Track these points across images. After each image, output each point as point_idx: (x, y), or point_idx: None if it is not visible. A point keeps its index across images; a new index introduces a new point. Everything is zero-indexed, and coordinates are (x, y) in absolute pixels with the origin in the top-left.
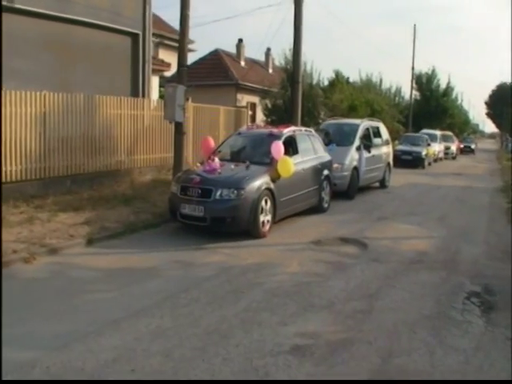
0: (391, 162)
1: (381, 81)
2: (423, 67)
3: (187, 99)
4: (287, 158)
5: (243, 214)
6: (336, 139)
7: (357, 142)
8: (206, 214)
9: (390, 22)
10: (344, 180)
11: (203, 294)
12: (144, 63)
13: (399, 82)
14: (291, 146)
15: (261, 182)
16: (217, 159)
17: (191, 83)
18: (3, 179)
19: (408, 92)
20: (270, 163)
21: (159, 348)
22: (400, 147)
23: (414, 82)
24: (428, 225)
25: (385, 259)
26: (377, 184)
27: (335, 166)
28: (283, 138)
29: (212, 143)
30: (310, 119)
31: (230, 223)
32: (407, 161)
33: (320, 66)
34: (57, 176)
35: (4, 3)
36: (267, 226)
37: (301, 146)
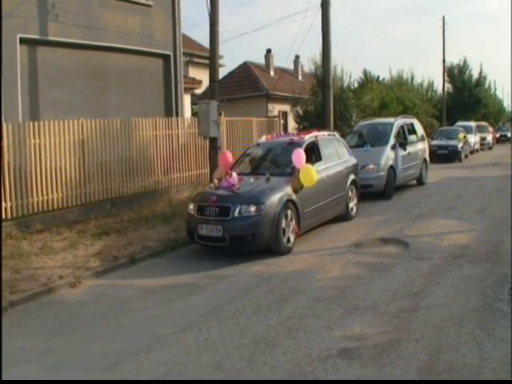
0: (427, 158)
1: (412, 77)
2: (454, 59)
3: (220, 114)
4: (309, 166)
5: (264, 230)
6: (370, 140)
7: (391, 141)
8: (224, 234)
9: (415, 16)
10: (380, 180)
11: (247, 305)
12: (176, 83)
13: (431, 76)
14: (314, 153)
15: (282, 194)
16: (234, 174)
17: (222, 98)
18: (45, 207)
19: (440, 85)
20: (291, 173)
21: (208, 360)
22: (435, 142)
23: (445, 74)
24: (468, 218)
25: (427, 256)
26: (414, 182)
27: (371, 166)
28: (304, 145)
29: (230, 158)
30: (342, 122)
31: (250, 241)
32: (444, 155)
33: (349, 67)
34: (97, 200)
35: (37, 37)
36: (291, 241)
37: (324, 151)
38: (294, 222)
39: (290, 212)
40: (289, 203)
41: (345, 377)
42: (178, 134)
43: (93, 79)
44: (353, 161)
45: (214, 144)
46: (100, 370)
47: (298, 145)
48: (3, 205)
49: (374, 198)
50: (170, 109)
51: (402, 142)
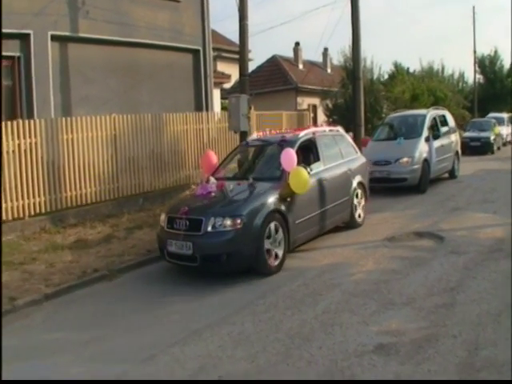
0: (459, 151)
1: (443, 67)
2: (485, 49)
3: (250, 107)
4: (300, 168)
5: (243, 248)
6: (402, 132)
7: (425, 133)
8: (195, 252)
9: (444, 5)
10: (415, 174)
11: (281, 299)
12: (206, 77)
13: (462, 67)
14: (311, 152)
15: (266, 203)
16: (213, 179)
17: (251, 92)
18: (79, 202)
19: (471, 76)
20: (280, 177)
21: (243, 354)
22: (468, 134)
23: (476, 65)
24: (504, 211)
25: (463, 250)
26: (446, 175)
27: (405, 159)
28: (298, 144)
29: (213, 159)
30: (372, 115)
31: (225, 262)
32: (476, 147)
33: (379, 59)
34: (129, 195)
35: (68, 34)
36: (278, 259)
37: (323, 150)
38: (282, 236)
39: (276, 224)
40: (275, 214)
41: (382, 373)
42: (208, 129)
43: (124, 75)
44: (361, 159)
45: (244, 138)
46: (135, 363)
47: (290, 144)
48: (37, 199)
49: (407, 192)
50: (200, 103)
51: (436, 133)
